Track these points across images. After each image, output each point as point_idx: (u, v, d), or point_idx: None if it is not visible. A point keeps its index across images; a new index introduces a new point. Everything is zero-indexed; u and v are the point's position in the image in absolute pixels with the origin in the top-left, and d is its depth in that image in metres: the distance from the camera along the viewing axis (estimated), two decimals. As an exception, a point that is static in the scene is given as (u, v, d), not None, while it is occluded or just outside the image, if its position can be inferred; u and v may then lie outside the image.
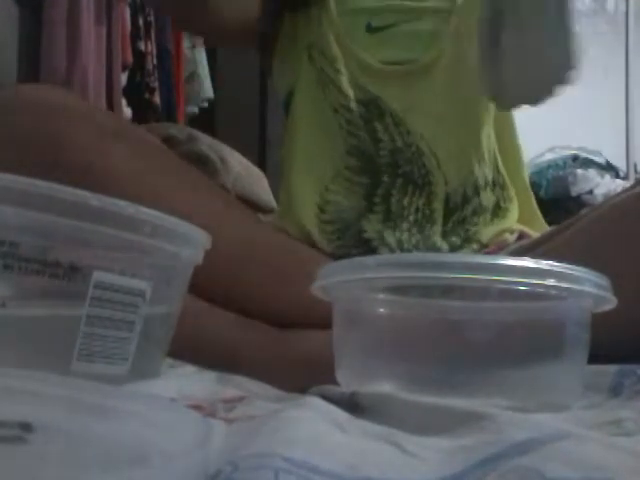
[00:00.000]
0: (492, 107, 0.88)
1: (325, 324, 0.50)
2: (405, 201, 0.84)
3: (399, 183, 0.84)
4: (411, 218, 0.84)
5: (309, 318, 0.63)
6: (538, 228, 0.91)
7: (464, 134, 0.87)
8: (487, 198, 0.87)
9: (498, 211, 0.88)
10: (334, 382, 0.49)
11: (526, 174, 0.95)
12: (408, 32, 0.87)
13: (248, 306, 0.66)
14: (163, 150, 0.72)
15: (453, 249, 0.83)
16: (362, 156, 0.85)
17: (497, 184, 0.89)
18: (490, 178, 0.88)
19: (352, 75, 0.86)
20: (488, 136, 0.88)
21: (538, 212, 0.94)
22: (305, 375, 0.57)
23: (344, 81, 0.85)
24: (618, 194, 0.71)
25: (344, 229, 0.84)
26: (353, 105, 0.85)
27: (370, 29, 0.87)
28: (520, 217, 0.91)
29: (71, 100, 0.68)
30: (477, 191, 0.86)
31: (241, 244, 0.67)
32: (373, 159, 0.85)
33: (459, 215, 0.85)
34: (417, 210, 0.84)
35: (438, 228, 0.84)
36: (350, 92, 0.85)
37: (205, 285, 0.58)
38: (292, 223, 0.85)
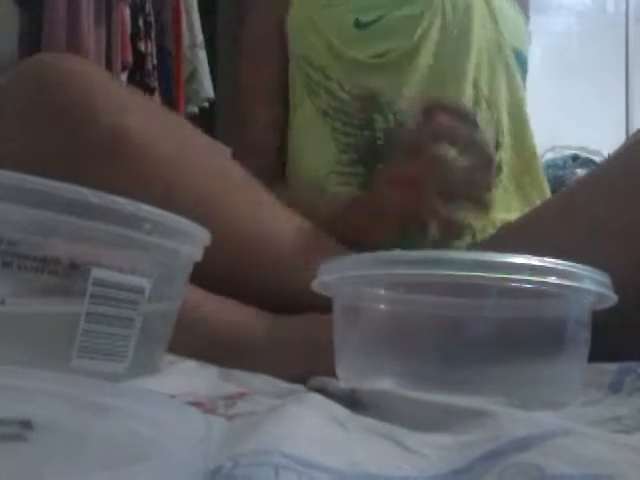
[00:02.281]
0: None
1: (325, 311, 0.50)
2: None
3: None
4: None
5: (310, 307, 0.63)
6: (540, 191, 0.93)
7: None
8: None
9: None
10: (333, 368, 0.49)
11: (534, 140, 0.96)
12: (395, 20, 0.90)
13: (247, 293, 0.65)
14: (185, 124, 0.72)
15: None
16: (357, 150, 0.87)
17: None
18: None
19: (345, 75, 0.88)
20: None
21: (543, 177, 0.96)
22: (304, 359, 0.57)
23: (334, 86, 0.88)
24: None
25: None
26: (349, 107, 0.87)
27: (359, 25, 0.90)
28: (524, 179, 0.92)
29: (95, 70, 0.67)
30: None
31: (247, 228, 0.67)
32: (369, 148, 0.87)
33: None
34: None
35: None
36: (344, 95, 0.88)
37: (206, 270, 0.57)
38: None
